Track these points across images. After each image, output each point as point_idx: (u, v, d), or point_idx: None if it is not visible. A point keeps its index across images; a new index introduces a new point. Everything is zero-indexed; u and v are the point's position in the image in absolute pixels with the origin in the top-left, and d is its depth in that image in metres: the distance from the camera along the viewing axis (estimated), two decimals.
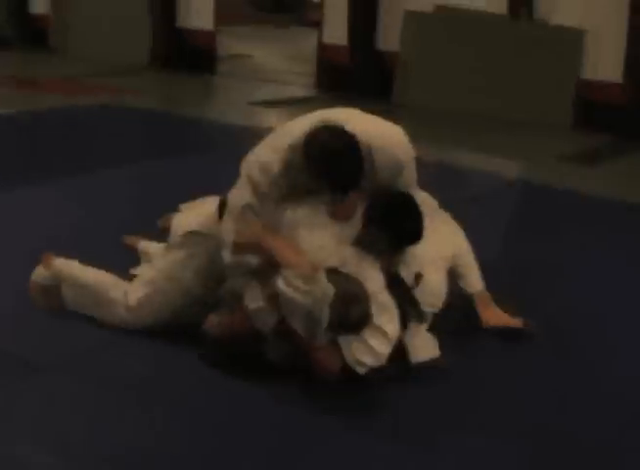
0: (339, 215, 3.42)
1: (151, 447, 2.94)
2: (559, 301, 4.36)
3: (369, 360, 3.34)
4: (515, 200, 6.40)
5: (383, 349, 3.36)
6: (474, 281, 3.93)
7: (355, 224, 3.45)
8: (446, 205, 5.38)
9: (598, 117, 8.76)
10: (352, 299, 3.21)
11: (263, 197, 3.38)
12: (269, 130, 3.59)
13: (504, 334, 3.86)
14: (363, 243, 3.41)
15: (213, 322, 3.43)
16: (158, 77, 10.95)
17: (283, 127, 3.52)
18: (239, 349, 3.42)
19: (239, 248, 3.40)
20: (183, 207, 3.98)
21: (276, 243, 3.33)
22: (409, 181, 3.59)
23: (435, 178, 6.59)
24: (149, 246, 4.27)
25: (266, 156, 3.39)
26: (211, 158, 6.31)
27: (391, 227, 3.41)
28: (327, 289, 3.13)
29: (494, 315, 3.92)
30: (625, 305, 4.40)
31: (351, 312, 3.19)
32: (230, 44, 12.91)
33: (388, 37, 10.08)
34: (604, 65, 8.80)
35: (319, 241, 3.36)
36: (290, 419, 3.17)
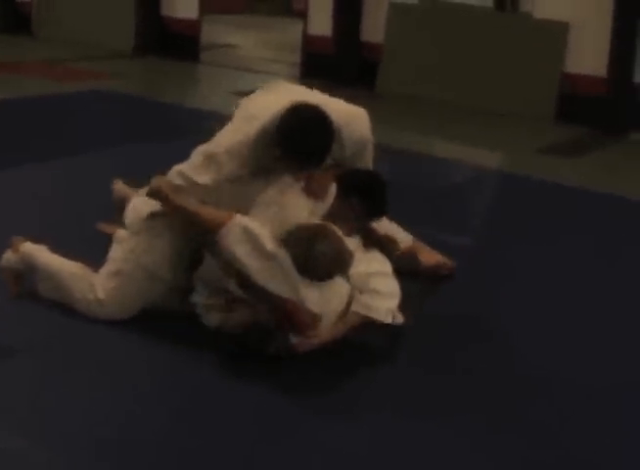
0: (313, 192, 3.51)
1: (121, 430, 2.93)
2: (520, 287, 4.45)
3: (391, 303, 3.50)
4: (492, 191, 6.40)
5: (393, 286, 3.53)
6: (403, 238, 4.18)
7: (327, 201, 3.57)
8: (425, 194, 5.44)
9: (580, 110, 8.76)
10: (316, 236, 3.30)
11: (231, 179, 3.36)
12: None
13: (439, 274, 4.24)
14: (334, 214, 3.54)
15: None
16: (141, 65, 10.87)
17: (246, 110, 3.49)
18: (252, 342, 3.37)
19: (152, 193, 3.45)
20: (140, 191, 3.84)
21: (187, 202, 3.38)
22: (370, 157, 3.80)
23: (414, 168, 6.69)
24: (123, 233, 4.15)
25: (234, 139, 3.38)
26: (190, 143, 6.29)
27: (364, 199, 3.62)
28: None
29: (430, 256, 4.30)
30: (584, 291, 4.47)
31: (317, 248, 3.26)
32: (215, 33, 12.85)
33: (373, 29, 10.06)
34: (587, 58, 8.79)
35: (294, 217, 3.41)
36: (266, 403, 3.16)
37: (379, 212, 3.77)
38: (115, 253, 3.63)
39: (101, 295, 3.55)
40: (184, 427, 2.97)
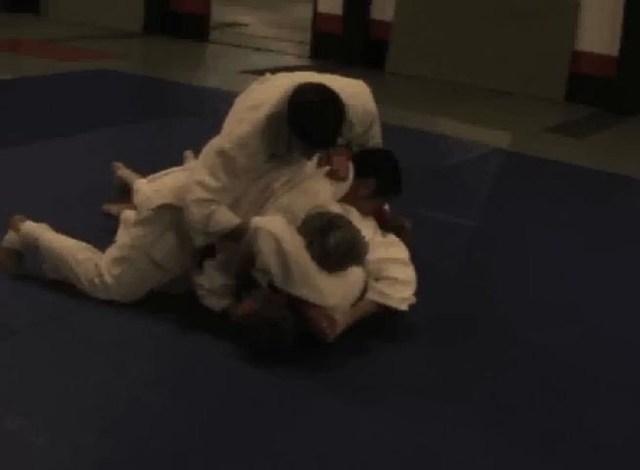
0: (336, 174, 3.53)
1: (123, 412, 2.91)
2: (519, 262, 4.45)
3: (407, 291, 3.46)
4: (497, 169, 6.35)
5: (409, 274, 3.51)
6: None
7: (347, 182, 3.58)
8: (432, 172, 5.37)
9: (590, 89, 8.70)
10: (329, 227, 3.29)
11: (247, 170, 3.34)
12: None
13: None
14: (351, 195, 3.55)
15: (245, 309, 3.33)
16: (150, 44, 10.85)
17: (249, 99, 3.43)
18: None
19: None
20: (148, 178, 3.78)
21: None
22: (378, 132, 3.75)
23: (422, 146, 6.65)
24: (131, 215, 3.99)
25: (242, 130, 3.32)
26: (197, 121, 6.26)
27: (379, 178, 3.63)
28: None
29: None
30: (586, 271, 4.45)
31: (330, 240, 3.25)
32: (225, 12, 12.81)
33: (383, 7, 10.00)
34: (598, 37, 8.71)
35: (320, 201, 3.45)
36: (268, 385, 3.14)
37: (395, 190, 3.75)
38: (123, 238, 3.59)
39: (107, 279, 3.53)
40: (188, 410, 2.95)
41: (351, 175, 3.59)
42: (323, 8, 10.47)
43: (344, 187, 3.57)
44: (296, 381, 3.17)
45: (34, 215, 3.81)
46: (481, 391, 3.25)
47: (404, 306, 3.49)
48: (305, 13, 11.32)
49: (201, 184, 3.32)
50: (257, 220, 3.30)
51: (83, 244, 3.67)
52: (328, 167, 3.54)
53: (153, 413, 2.92)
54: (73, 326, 3.44)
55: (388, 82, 9.24)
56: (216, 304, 3.45)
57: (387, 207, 3.84)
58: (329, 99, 3.28)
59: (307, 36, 10.85)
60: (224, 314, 3.44)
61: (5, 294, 3.63)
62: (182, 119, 6.66)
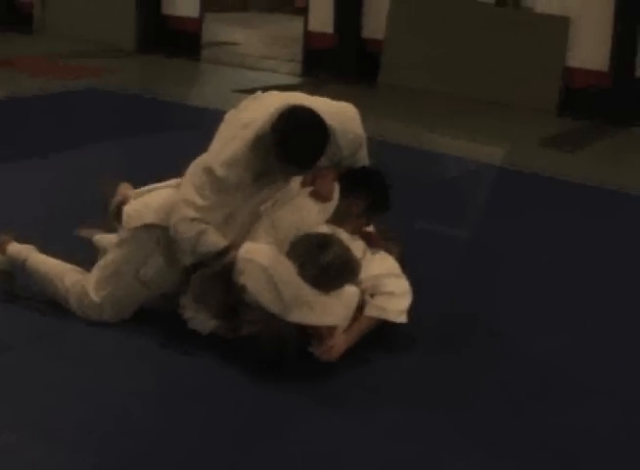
0: (321, 195, 3.53)
1: (117, 427, 2.89)
2: (517, 281, 4.43)
3: (404, 304, 3.49)
4: (491, 183, 6.35)
5: (404, 286, 3.53)
6: None
7: (334, 202, 3.58)
8: (423, 187, 5.38)
9: (582, 102, 8.73)
10: (320, 247, 3.30)
11: (232, 188, 3.33)
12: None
13: None
14: (339, 214, 3.56)
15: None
16: (142, 62, 10.85)
17: (241, 118, 3.43)
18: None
19: None
20: (134, 193, 3.77)
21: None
22: (365, 154, 3.74)
23: (414, 159, 6.64)
24: (103, 239, 3.95)
25: (231, 148, 3.32)
26: (187, 138, 6.26)
27: (366, 196, 3.63)
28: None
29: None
30: (583, 284, 4.45)
31: (324, 256, 3.27)
32: (217, 30, 12.84)
33: (374, 25, 10.02)
34: (589, 52, 8.76)
35: (307, 220, 3.45)
36: (260, 397, 3.13)
37: (382, 208, 3.75)
38: (108, 258, 3.56)
39: (94, 299, 3.50)
40: (181, 425, 2.93)
41: (337, 195, 3.58)
42: (314, 26, 10.50)
43: (330, 207, 3.57)
44: (294, 395, 3.16)
45: (23, 234, 3.78)
46: (480, 400, 3.25)
47: (403, 319, 3.51)
48: (296, 30, 11.35)
49: (188, 203, 3.30)
50: (245, 250, 3.30)
51: (70, 266, 3.65)
52: (311, 188, 3.55)
53: (146, 428, 2.90)
54: (67, 342, 3.43)
55: (379, 96, 9.26)
56: (203, 326, 3.43)
57: (371, 227, 3.82)
58: (311, 122, 3.31)
59: (298, 54, 10.87)
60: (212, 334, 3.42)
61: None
62: (175, 137, 6.64)
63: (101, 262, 3.57)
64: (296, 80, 10.30)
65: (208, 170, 3.30)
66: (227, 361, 3.31)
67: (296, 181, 3.57)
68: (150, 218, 3.45)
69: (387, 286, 3.50)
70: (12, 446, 2.72)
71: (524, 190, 6.20)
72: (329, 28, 10.27)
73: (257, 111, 3.43)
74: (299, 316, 3.26)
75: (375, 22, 9.99)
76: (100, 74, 9.34)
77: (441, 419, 3.09)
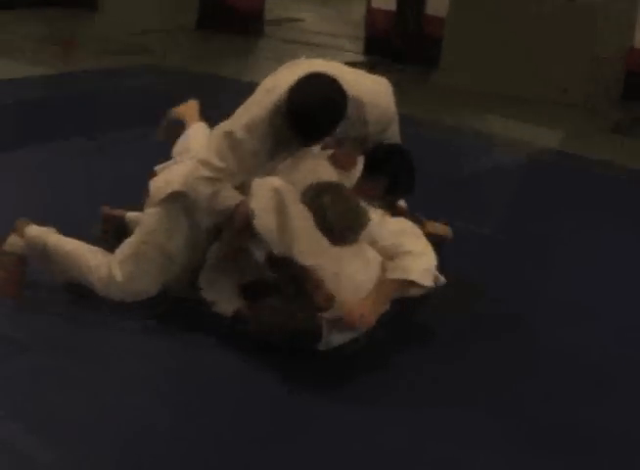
0: (340, 162, 3.45)
1: (128, 426, 2.86)
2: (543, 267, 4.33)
3: (428, 263, 3.23)
4: (547, 171, 6.17)
5: (424, 245, 3.31)
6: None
7: (353, 175, 3.47)
8: (478, 174, 5.21)
9: None
10: (323, 190, 3.21)
11: (249, 154, 3.26)
12: None
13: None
14: (360, 192, 3.41)
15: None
16: (202, 39, 10.82)
17: (266, 83, 3.38)
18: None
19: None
20: (158, 168, 3.71)
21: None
22: (396, 133, 3.61)
23: (469, 147, 6.49)
24: (135, 216, 3.87)
25: (252, 113, 3.26)
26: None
27: (392, 174, 3.46)
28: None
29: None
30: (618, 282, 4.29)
31: (323, 200, 3.18)
32: (281, 7, 12.73)
33: (439, 3, 9.78)
34: None
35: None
36: (281, 398, 3.07)
37: (405, 190, 3.60)
38: (134, 236, 3.53)
39: (118, 277, 3.46)
40: (200, 426, 2.88)
41: (359, 168, 3.48)
42: (377, 3, 10.32)
43: (350, 178, 3.45)
44: (310, 394, 3.09)
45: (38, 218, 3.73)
46: (500, 397, 3.18)
47: (429, 281, 3.24)
48: (362, 8, 11.17)
49: (206, 163, 3.26)
50: (257, 180, 3.21)
51: (94, 247, 3.61)
52: (331, 152, 3.45)
53: (164, 430, 2.86)
54: (85, 342, 3.37)
55: (440, 80, 9.05)
56: (227, 308, 3.36)
57: (402, 202, 3.69)
58: (326, 93, 3.18)
59: (362, 31, 10.71)
60: (236, 320, 3.35)
61: (15, 309, 3.54)
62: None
63: (126, 242, 3.53)
64: (358, 58, 10.18)
65: (227, 134, 3.26)
66: (244, 361, 3.25)
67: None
68: (175, 186, 3.40)
69: (405, 245, 3.28)
70: (26, 449, 2.70)
71: (577, 177, 6.00)
72: (392, 6, 10.07)
73: (283, 77, 3.33)
74: (306, 258, 3.09)
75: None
76: (156, 53, 9.32)
77: (460, 417, 3.02)
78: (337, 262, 3.16)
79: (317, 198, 3.20)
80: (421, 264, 3.23)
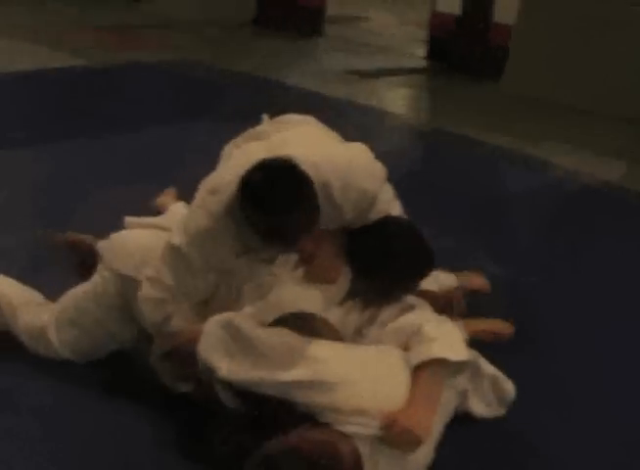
0: (317, 276, 2.79)
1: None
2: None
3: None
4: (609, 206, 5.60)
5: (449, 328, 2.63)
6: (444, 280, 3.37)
7: (342, 281, 2.81)
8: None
9: None
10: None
11: (199, 271, 2.73)
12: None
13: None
14: (354, 294, 2.80)
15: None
16: (255, 36, 10.40)
17: (209, 180, 2.80)
18: None
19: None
20: (128, 221, 3.23)
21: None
22: (383, 207, 2.90)
23: (519, 174, 5.93)
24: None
25: (196, 223, 2.71)
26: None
27: (380, 272, 2.80)
28: None
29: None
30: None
31: None
32: (344, 5, 12.27)
33: (507, 8, 9.20)
34: None
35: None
36: None
37: (398, 287, 2.86)
38: (79, 291, 3.02)
39: (54, 340, 2.97)
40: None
41: (344, 273, 2.82)
42: (441, 6, 9.79)
43: (339, 289, 2.81)
44: None
45: None
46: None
47: (462, 355, 2.52)
48: (427, 8, 10.63)
49: (155, 280, 2.74)
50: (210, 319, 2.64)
51: (29, 293, 3.15)
52: (305, 269, 2.80)
53: None
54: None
55: (503, 89, 8.48)
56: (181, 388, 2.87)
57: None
58: (279, 182, 2.56)
59: (425, 35, 10.19)
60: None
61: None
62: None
63: (68, 294, 3.05)
64: (420, 64, 9.67)
65: (175, 248, 2.71)
66: None
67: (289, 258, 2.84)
68: (118, 264, 2.91)
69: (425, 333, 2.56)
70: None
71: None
72: (456, 9, 9.52)
73: (228, 170, 2.78)
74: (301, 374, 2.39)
75: (508, 6, 9.17)
76: (203, 52, 8.97)
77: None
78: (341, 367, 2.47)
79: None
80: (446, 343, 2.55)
